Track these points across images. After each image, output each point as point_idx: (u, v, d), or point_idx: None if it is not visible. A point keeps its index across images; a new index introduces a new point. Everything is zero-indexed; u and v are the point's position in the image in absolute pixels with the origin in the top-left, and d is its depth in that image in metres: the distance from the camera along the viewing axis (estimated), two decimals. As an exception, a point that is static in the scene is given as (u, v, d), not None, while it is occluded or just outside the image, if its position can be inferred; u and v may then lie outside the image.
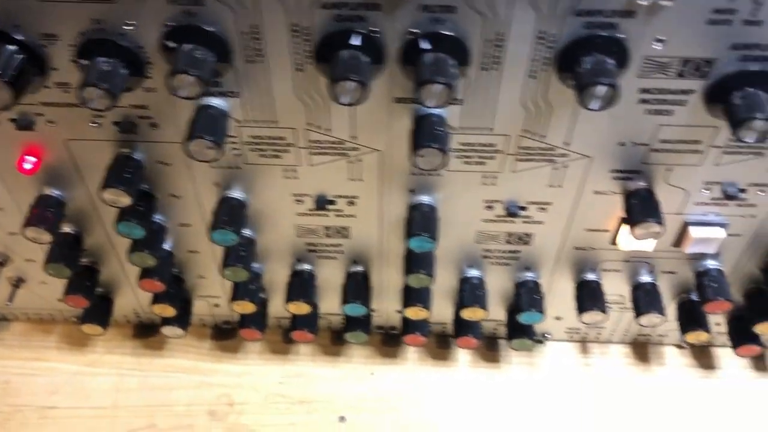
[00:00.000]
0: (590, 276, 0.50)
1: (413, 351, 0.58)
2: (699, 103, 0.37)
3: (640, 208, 0.42)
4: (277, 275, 0.52)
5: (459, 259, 0.50)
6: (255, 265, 0.50)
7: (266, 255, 0.50)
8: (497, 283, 0.51)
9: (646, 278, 0.50)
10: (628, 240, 0.46)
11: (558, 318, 0.55)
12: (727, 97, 0.36)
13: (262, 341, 0.58)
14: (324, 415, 0.54)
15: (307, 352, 0.57)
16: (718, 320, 0.55)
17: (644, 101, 0.37)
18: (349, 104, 0.34)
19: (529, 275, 0.51)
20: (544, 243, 0.48)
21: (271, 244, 0.49)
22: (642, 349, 0.58)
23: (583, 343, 0.58)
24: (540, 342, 0.58)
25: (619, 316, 0.55)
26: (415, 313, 0.49)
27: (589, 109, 0.34)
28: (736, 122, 0.35)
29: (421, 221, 0.44)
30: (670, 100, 0.37)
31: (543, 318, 0.50)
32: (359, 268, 0.51)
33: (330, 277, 0.52)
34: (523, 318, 0.50)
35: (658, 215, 0.42)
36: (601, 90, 0.34)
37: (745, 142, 0.35)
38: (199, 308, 0.56)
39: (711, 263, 0.49)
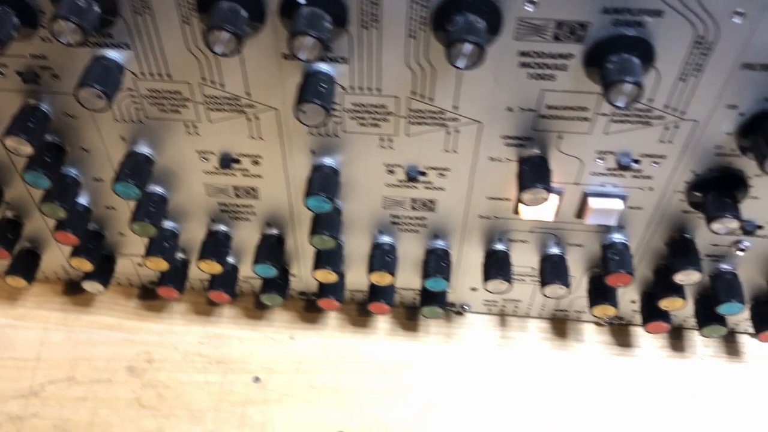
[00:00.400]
0: (498, 246, 0.51)
1: (334, 318, 0.58)
2: (579, 68, 0.38)
3: (530, 174, 0.42)
4: (195, 235, 0.53)
5: (370, 225, 0.50)
6: (170, 224, 0.52)
7: (181, 214, 0.51)
8: (410, 251, 0.52)
9: (554, 250, 0.51)
10: (528, 208, 0.47)
11: (473, 289, 0.56)
12: (601, 61, 0.37)
13: (187, 303, 0.59)
14: (239, 376, 0.55)
15: (230, 315, 0.58)
16: (633, 297, 0.55)
17: (525, 65, 0.38)
18: (223, 55, 0.35)
19: (439, 243, 0.51)
20: (448, 210, 0.48)
21: (184, 202, 0.50)
22: (560, 325, 0.58)
23: (502, 316, 0.59)
24: (459, 313, 0.58)
25: (534, 290, 0.55)
26: (324, 275, 0.50)
27: (456, 67, 0.35)
28: (607, 85, 0.35)
29: (319, 181, 0.44)
30: (550, 64, 0.38)
31: (447, 285, 0.50)
32: (274, 231, 0.52)
33: (247, 239, 0.53)
34: (428, 284, 0.50)
35: (546, 181, 0.42)
36: (467, 48, 0.34)
37: (615, 106, 0.36)
38: (125, 267, 0.57)
39: (616, 237, 0.49)
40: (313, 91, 0.38)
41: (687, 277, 0.48)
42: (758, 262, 0.50)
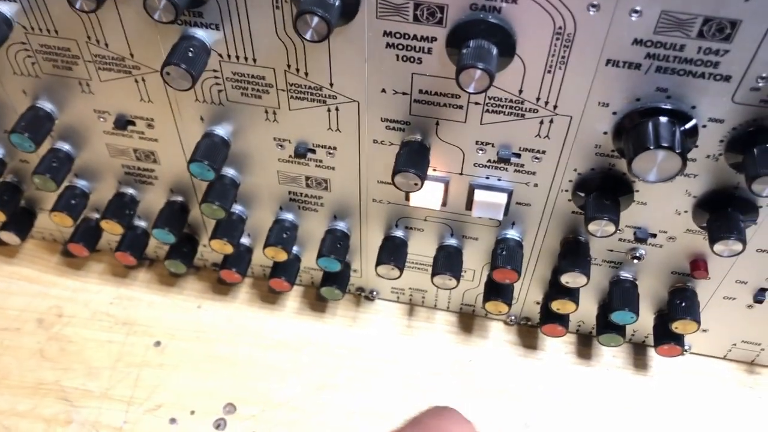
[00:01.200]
0: (396, 233, 0.51)
1: (245, 292, 0.59)
2: (444, 52, 0.37)
3: (404, 159, 0.42)
4: (105, 196, 0.54)
5: (271, 200, 0.51)
6: (81, 182, 0.53)
7: (89, 173, 0.52)
8: (314, 231, 0.52)
9: (450, 241, 0.50)
10: (415, 195, 0.46)
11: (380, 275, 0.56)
12: (459, 46, 0.36)
13: (106, 263, 0.60)
14: (141, 338, 0.56)
15: (144, 279, 0.59)
16: (538, 298, 0.54)
17: (391, 45, 0.38)
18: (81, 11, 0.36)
19: (339, 225, 0.51)
20: (343, 191, 0.48)
21: (90, 162, 0.51)
22: (468, 320, 0.58)
23: (412, 306, 0.58)
24: (369, 299, 0.58)
25: (439, 281, 0.55)
26: (220, 246, 0.51)
27: (302, 38, 0.35)
28: (458, 70, 0.35)
29: (204, 149, 0.45)
30: (415, 46, 0.38)
31: (340, 266, 0.50)
32: (178, 198, 0.53)
33: (154, 204, 0.53)
34: (320, 263, 0.50)
35: (419, 167, 0.42)
36: (312, 19, 0.34)
37: (465, 91, 0.35)
38: (47, 223, 0.59)
39: (510, 233, 0.48)
40: (180, 54, 0.39)
41: (573, 280, 0.47)
42: (659, 272, 0.49)
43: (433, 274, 0.49)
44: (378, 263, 0.50)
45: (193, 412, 0.53)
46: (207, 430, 0.52)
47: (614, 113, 0.39)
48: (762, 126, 0.37)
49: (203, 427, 0.52)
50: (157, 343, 0.56)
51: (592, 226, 0.42)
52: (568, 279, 0.47)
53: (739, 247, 0.41)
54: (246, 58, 0.41)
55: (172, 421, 0.52)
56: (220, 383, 0.54)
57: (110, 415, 0.52)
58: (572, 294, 0.49)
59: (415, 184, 0.42)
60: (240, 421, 0.52)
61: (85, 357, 0.55)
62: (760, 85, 0.35)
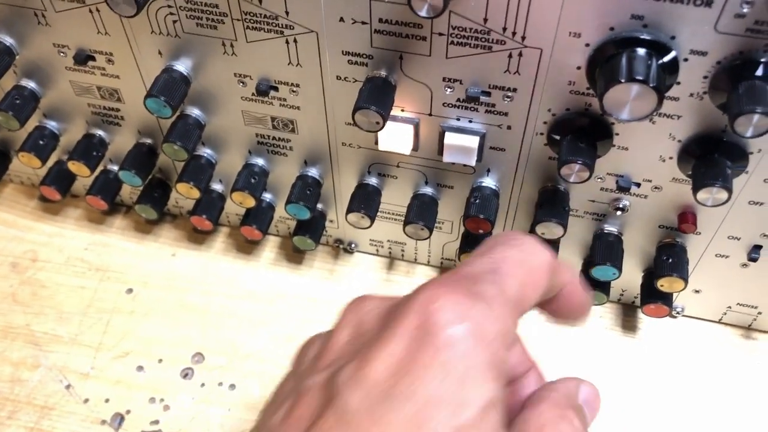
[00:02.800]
0: (369, 180, 0.48)
1: (221, 241, 0.57)
2: (401, -24, 0.35)
3: (366, 95, 0.40)
4: (76, 137, 0.52)
5: (239, 144, 0.49)
6: (51, 123, 0.51)
7: (58, 114, 0.50)
8: (284, 177, 0.50)
9: (425, 190, 0.48)
10: (384, 137, 0.44)
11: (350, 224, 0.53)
12: (414, -33, 0.33)
13: (83, 209, 0.59)
14: (114, 285, 0.55)
15: (120, 226, 0.58)
16: (522, 254, 0.51)
17: (344, -32, 0.35)
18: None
19: (310, 171, 0.49)
20: (311, 134, 0.46)
21: (58, 102, 0.49)
22: (450, 275, 0.55)
23: (391, 259, 0.56)
24: (347, 251, 0.56)
25: (417, 234, 0.53)
26: (186, 190, 0.49)
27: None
28: (409, -7, 0.32)
29: (161, 84, 0.43)
30: (370, -31, 0.35)
31: (309, 213, 0.48)
32: (146, 140, 0.51)
33: (123, 146, 0.52)
34: (289, 209, 0.48)
35: (381, 104, 0.39)
36: (250, -66, 0.32)
37: (418, 14, 0.33)
38: (24, 167, 0.57)
39: (485, 181, 0.46)
40: (124, -22, 0.37)
41: (548, 230, 0.44)
42: (645, 226, 0.46)
43: (405, 223, 0.47)
44: (348, 211, 0.48)
45: (161, 361, 0.51)
46: (174, 379, 0.51)
47: (587, 45, 0.35)
48: (749, 59, 0.34)
49: (170, 375, 0.51)
50: (129, 291, 0.55)
51: (565, 170, 0.39)
52: (544, 230, 0.44)
53: (724, 195, 0.38)
54: (197, -16, 0.39)
55: (140, 368, 0.51)
56: (189, 332, 0.53)
57: (78, 361, 0.51)
58: (551, 247, 0.46)
59: (377, 123, 0.40)
60: (207, 371, 0.51)
61: (57, 302, 0.54)
62: (745, 10, 0.32)
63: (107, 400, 0.50)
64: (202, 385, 0.50)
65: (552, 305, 0.32)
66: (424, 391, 0.25)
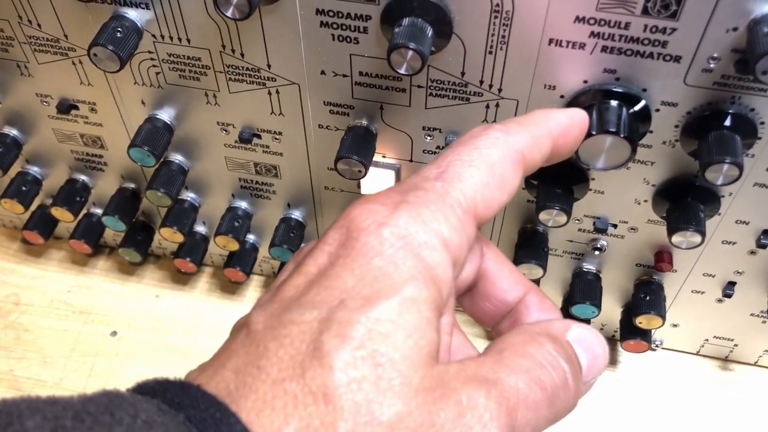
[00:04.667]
0: (352, 221, 0.49)
1: (205, 282, 0.57)
2: (380, 31, 0.36)
3: (348, 144, 0.40)
4: (59, 182, 0.52)
5: (222, 188, 0.49)
6: (34, 169, 0.51)
7: (39, 159, 0.51)
8: (268, 219, 0.51)
9: (407, 231, 0.49)
10: (366, 184, 0.45)
11: (338, 265, 0.54)
12: (393, 24, 0.34)
13: (66, 251, 0.59)
14: (98, 327, 0.55)
15: (104, 268, 0.58)
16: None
17: (325, 24, 0.36)
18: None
19: (294, 213, 0.50)
20: (294, 178, 0.47)
21: (39, 148, 0.50)
22: (433, 312, 0.56)
23: (375, 297, 0.57)
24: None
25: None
26: (170, 234, 0.49)
27: (224, 16, 0.33)
28: (388, 50, 0.33)
29: (145, 133, 0.43)
30: (350, 25, 0.36)
31: (291, 255, 0.49)
32: (130, 185, 0.51)
33: (107, 191, 0.52)
34: (272, 252, 0.49)
35: (362, 153, 0.40)
36: (231, -4, 0.33)
37: (397, 72, 0.34)
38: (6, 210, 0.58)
39: (467, 223, 0.46)
40: (107, 35, 0.37)
41: (529, 271, 0.45)
42: (623, 265, 0.47)
43: (388, 265, 0.48)
44: (331, 253, 0.48)
45: (146, 404, 0.51)
46: (160, 423, 0.51)
47: (562, 96, 0.36)
48: (717, 110, 0.35)
49: (156, 419, 0.51)
50: (114, 333, 0.55)
51: (543, 215, 0.40)
52: (524, 270, 0.45)
53: (697, 239, 0.39)
54: (180, 39, 0.39)
55: (125, 412, 0.51)
56: (174, 373, 0.52)
57: (62, 406, 0.51)
58: (531, 286, 0.47)
59: (359, 171, 0.40)
60: (193, 413, 0.51)
61: (40, 346, 0.54)
62: (712, 66, 0.33)
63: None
64: (188, 427, 0.50)
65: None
66: (329, 298, 0.23)
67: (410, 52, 0.33)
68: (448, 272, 0.24)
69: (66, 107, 0.45)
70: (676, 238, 0.39)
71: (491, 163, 0.26)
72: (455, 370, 0.23)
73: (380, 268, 0.23)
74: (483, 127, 0.28)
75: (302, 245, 0.33)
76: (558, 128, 0.29)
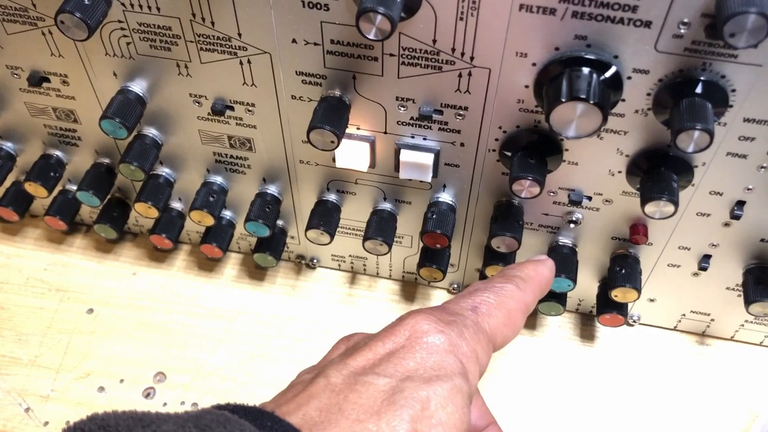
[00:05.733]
0: (329, 197, 0.49)
1: (182, 259, 0.57)
2: (351, -1, 0.35)
3: (320, 115, 0.40)
4: (33, 158, 0.52)
5: (197, 162, 0.49)
6: (6, 144, 0.51)
7: (14, 135, 0.50)
8: (244, 195, 0.50)
9: (384, 206, 0.48)
10: (341, 155, 0.44)
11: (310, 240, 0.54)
12: (362, -10, 0.34)
13: (42, 229, 0.58)
14: (74, 305, 0.55)
15: (80, 245, 0.58)
16: (479, 266, 0.52)
17: (293, -10, 0.36)
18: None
19: (269, 188, 0.49)
20: (269, 152, 0.46)
21: (12, 123, 0.49)
22: (411, 288, 0.56)
23: (354, 274, 0.57)
24: (310, 266, 0.56)
25: (378, 248, 0.53)
26: (144, 209, 0.49)
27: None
28: (357, 15, 0.33)
29: (116, 105, 0.43)
30: (319, -8, 0.35)
31: (269, 231, 0.48)
32: (104, 160, 0.51)
33: (81, 166, 0.52)
34: (248, 227, 0.48)
35: (335, 123, 0.40)
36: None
37: (366, 37, 0.33)
38: (-19, 187, 0.57)
39: (442, 196, 0.46)
40: (74, 2, 0.36)
41: (503, 244, 0.45)
42: (598, 238, 0.47)
43: (365, 239, 0.47)
44: (308, 227, 0.48)
45: (122, 381, 0.51)
46: (136, 399, 0.50)
47: (534, 64, 0.36)
48: (689, 77, 0.35)
49: (132, 395, 0.51)
50: (90, 310, 0.54)
51: (516, 186, 0.40)
52: (499, 243, 0.45)
53: (670, 208, 0.39)
54: (149, 7, 0.38)
55: (101, 389, 0.51)
56: (151, 351, 0.53)
57: (38, 383, 0.51)
58: (507, 259, 0.47)
59: (332, 142, 0.40)
60: (170, 389, 0.51)
61: (16, 324, 0.54)
62: (682, 31, 0.33)
63: (68, 423, 0.49)
64: (164, 404, 0.50)
65: None
66: (397, 373, 0.31)
67: (379, 17, 0.32)
68: (477, 379, 0.34)
69: (37, 80, 0.45)
70: (649, 208, 0.39)
71: (509, 310, 0.36)
72: None
73: (436, 361, 0.32)
74: (502, 279, 0.38)
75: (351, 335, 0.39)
76: (545, 282, 0.40)
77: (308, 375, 0.33)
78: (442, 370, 0.31)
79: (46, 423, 0.49)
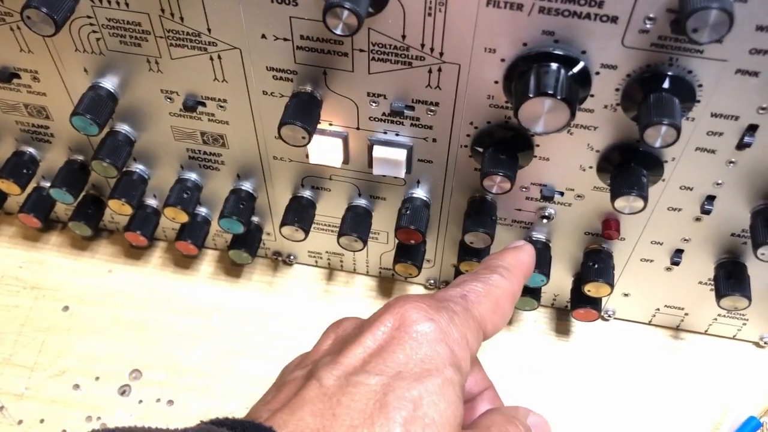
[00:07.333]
0: (303, 193, 0.49)
1: (158, 256, 0.57)
2: (319, -6, 0.35)
3: (291, 110, 0.40)
4: (5, 155, 0.51)
5: (170, 159, 0.48)
6: (-22, 140, 0.51)
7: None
8: (218, 191, 0.50)
9: (359, 201, 0.48)
10: (314, 151, 0.44)
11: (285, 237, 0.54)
12: (329, -14, 0.34)
13: (17, 226, 0.58)
14: (49, 302, 0.54)
15: (56, 243, 0.57)
16: (454, 261, 0.52)
17: (261, -14, 0.36)
18: None
19: (244, 185, 0.49)
20: (242, 148, 0.46)
21: (-16, 118, 0.49)
22: (388, 284, 0.56)
23: (331, 270, 0.57)
24: (286, 263, 0.56)
25: (354, 244, 0.53)
26: (118, 206, 0.48)
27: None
28: (323, 10, 0.33)
29: (87, 102, 0.43)
30: (287, -13, 0.35)
31: (243, 228, 0.48)
32: (78, 157, 0.50)
33: (55, 163, 0.51)
34: (222, 224, 0.48)
35: (306, 119, 0.40)
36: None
37: (332, 32, 0.33)
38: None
39: (416, 192, 0.46)
40: (42, -2, 0.36)
41: (476, 239, 0.45)
42: (571, 233, 0.47)
43: (339, 235, 0.47)
44: (282, 224, 0.48)
45: (98, 378, 0.51)
46: (111, 396, 0.50)
47: (502, 60, 0.36)
48: (656, 72, 0.35)
49: (108, 392, 0.50)
50: (66, 308, 0.54)
51: (487, 182, 0.40)
52: (472, 239, 0.45)
53: (640, 203, 0.39)
54: (118, 3, 0.38)
55: (76, 387, 0.50)
56: (126, 349, 0.52)
57: (12, 382, 0.50)
58: (480, 255, 0.47)
59: (303, 138, 0.40)
60: (146, 386, 0.51)
61: (-10, 322, 0.54)
62: (648, 26, 0.33)
63: (42, 421, 0.49)
64: (140, 401, 0.50)
65: None
66: (388, 369, 0.30)
67: (346, 12, 0.32)
68: (468, 365, 0.33)
69: (7, 76, 0.44)
70: (619, 203, 0.40)
71: (497, 298, 0.36)
72: None
73: (426, 353, 0.31)
74: (487, 270, 0.38)
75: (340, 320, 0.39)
76: (527, 267, 0.40)
77: (300, 371, 0.33)
78: (433, 362, 0.31)
79: (20, 421, 0.49)
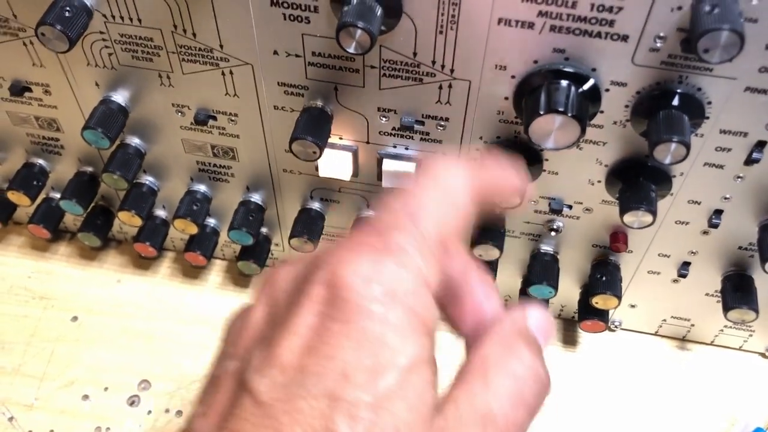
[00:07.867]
0: (312, 205, 0.49)
1: (167, 266, 0.57)
2: (331, 10, 0.35)
3: (302, 125, 0.40)
4: (16, 166, 0.52)
5: (180, 171, 0.49)
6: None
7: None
8: (227, 203, 0.50)
9: (367, 213, 0.48)
10: (324, 165, 0.45)
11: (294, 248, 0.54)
12: (342, 3, 0.34)
13: (26, 236, 0.58)
14: (58, 312, 0.54)
15: (65, 253, 0.58)
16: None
17: (275, 3, 0.36)
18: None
19: (253, 197, 0.50)
20: (252, 161, 0.47)
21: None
22: (396, 295, 0.56)
23: (338, 281, 0.57)
24: (294, 274, 0.57)
25: (362, 255, 0.53)
26: (128, 218, 0.49)
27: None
28: (337, 29, 0.33)
29: (99, 115, 0.43)
30: (300, 4, 0.36)
31: (252, 239, 0.49)
32: (87, 168, 0.51)
33: (64, 175, 0.52)
34: (231, 235, 0.49)
35: (317, 134, 0.40)
36: (178, -26, 0.32)
37: (346, 51, 0.34)
38: (-36, 194, 0.57)
39: (425, 205, 0.47)
40: (55, 14, 0.36)
41: (485, 252, 0.45)
42: (579, 245, 0.47)
43: (347, 247, 0.48)
44: (291, 236, 0.48)
45: (106, 389, 0.51)
46: (120, 407, 0.50)
47: (513, 77, 0.37)
48: (665, 89, 0.35)
49: (117, 403, 0.51)
50: (74, 318, 0.54)
51: (497, 197, 0.40)
52: (482, 251, 0.45)
53: (649, 218, 0.40)
54: (131, 19, 0.39)
55: (85, 397, 0.51)
56: (135, 359, 0.53)
57: (21, 392, 0.51)
58: (490, 267, 0.47)
59: (314, 152, 0.40)
60: (155, 397, 0.51)
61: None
62: (659, 45, 0.34)
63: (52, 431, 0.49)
64: (149, 412, 0.50)
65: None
66: (335, 366, 0.23)
67: (359, 31, 0.33)
68: (434, 309, 0.25)
69: (19, 89, 0.45)
70: (628, 218, 0.40)
71: (449, 197, 0.27)
72: (452, 416, 0.25)
73: (375, 334, 0.23)
74: (441, 161, 0.28)
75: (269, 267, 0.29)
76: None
77: (231, 363, 0.26)
78: (385, 347, 0.23)
79: (30, 432, 0.49)
